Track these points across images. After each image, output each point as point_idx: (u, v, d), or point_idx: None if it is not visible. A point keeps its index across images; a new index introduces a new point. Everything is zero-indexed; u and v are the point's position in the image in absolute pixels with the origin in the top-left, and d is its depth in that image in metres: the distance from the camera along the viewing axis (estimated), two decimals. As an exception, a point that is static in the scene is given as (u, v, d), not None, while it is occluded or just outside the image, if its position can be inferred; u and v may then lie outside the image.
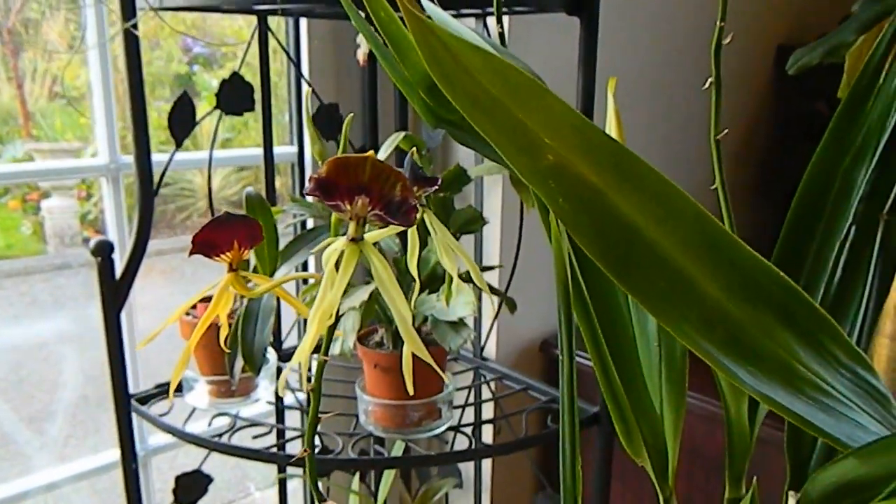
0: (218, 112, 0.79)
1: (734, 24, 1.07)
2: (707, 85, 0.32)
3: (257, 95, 0.80)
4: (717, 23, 0.31)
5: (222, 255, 0.23)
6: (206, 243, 0.22)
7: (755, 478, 0.35)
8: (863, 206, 0.33)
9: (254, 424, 0.73)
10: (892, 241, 0.32)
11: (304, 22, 0.90)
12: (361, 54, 0.82)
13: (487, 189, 0.92)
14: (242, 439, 0.73)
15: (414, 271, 0.36)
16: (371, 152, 0.21)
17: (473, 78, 0.22)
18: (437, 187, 0.28)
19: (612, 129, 0.42)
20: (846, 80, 0.69)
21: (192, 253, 0.23)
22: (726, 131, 0.34)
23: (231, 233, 0.23)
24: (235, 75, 0.79)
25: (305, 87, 0.90)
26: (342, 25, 0.92)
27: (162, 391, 0.79)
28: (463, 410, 0.92)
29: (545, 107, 0.22)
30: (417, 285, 0.40)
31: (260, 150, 0.84)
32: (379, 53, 0.31)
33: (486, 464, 1.03)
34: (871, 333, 0.32)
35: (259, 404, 0.78)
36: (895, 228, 0.32)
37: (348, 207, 0.21)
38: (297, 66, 0.88)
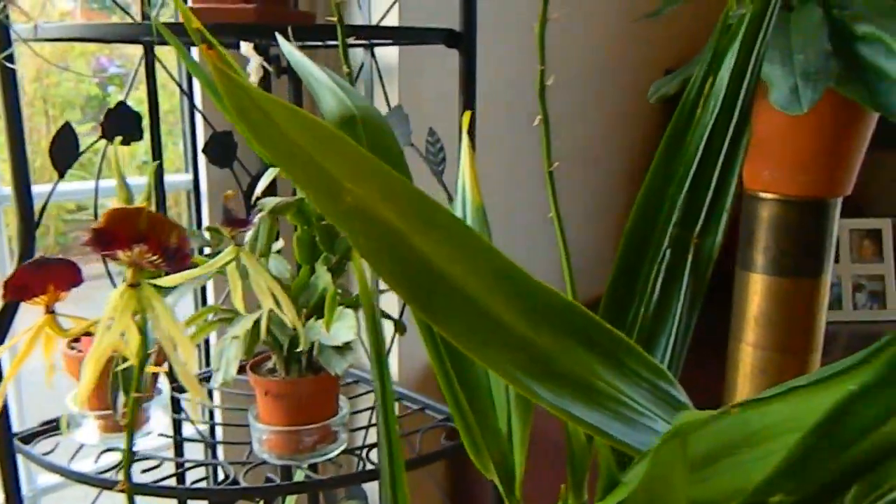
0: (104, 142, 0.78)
1: (628, 46, 1.12)
2: (536, 122, 0.35)
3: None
4: (540, 66, 0.34)
5: (36, 299, 0.24)
6: (20, 288, 0.23)
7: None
8: (677, 230, 0.36)
9: (144, 458, 0.72)
10: (701, 263, 0.36)
11: (196, 49, 0.90)
12: (252, 82, 0.82)
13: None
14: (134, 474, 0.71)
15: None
16: (146, 203, 0.22)
17: (279, 129, 0.24)
18: (248, 228, 0.30)
19: (465, 164, 0.44)
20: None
21: (5, 299, 0.23)
22: (557, 164, 0.37)
23: (46, 276, 0.24)
24: (122, 104, 0.78)
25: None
26: (235, 53, 0.93)
27: (48, 429, 0.77)
28: (367, 431, 0.93)
29: (346, 154, 0.24)
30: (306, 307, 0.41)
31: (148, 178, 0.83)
32: (211, 93, 0.33)
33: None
34: (684, 346, 0.35)
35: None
36: (705, 250, 0.36)
37: (127, 255, 0.22)
38: (188, 95, 0.88)
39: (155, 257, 0.22)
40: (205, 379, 0.89)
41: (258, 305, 0.71)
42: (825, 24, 0.56)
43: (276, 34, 0.42)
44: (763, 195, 0.70)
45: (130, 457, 0.29)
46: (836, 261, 1.23)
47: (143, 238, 0.21)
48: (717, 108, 0.36)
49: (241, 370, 0.75)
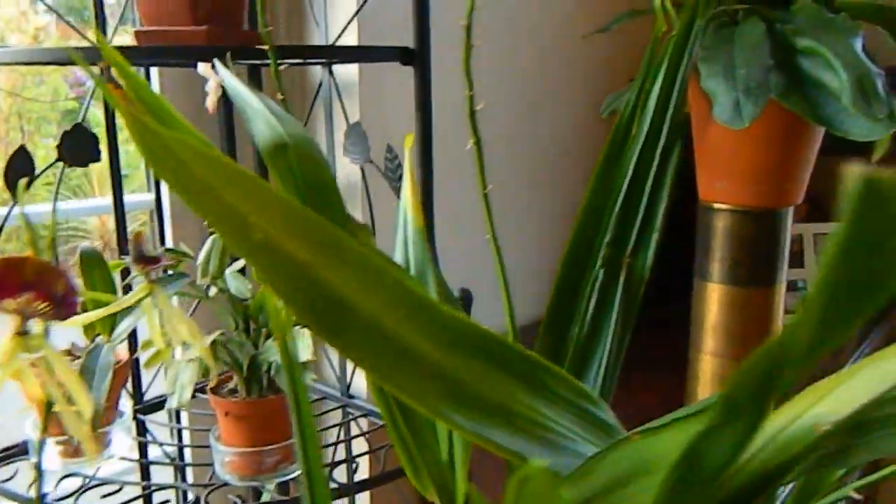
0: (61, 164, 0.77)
1: (583, 62, 1.12)
2: (469, 146, 0.36)
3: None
4: (467, 91, 0.34)
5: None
6: None
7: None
8: (609, 249, 0.37)
9: (103, 483, 0.72)
10: (633, 282, 0.36)
11: (157, 69, 0.90)
12: (210, 102, 0.82)
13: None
14: (91, 500, 0.71)
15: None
16: (30, 253, 0.22)
17: (186, 167, 0.24)
18: (160, 264, 0.30)
19: (407, 185, 0.44)
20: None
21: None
22: (491, 187, 0.37)
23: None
24: (78, 126, 0.78)
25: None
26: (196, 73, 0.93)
27: (8, 455, 0.76)
28: (335, 448, 0.93)
29: (253, 190, 0.24)
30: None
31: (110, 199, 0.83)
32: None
33: (364, 501, 1.04)
34: (617, 365, 0.36)
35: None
36: (637, 270, 0.36)
37: (13, 303, 0.22)
38: (147, 114, 0.87)
39: (43, 305, 0.22)
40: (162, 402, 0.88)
41: (217, 326, 0.71)
42: (768, 38, 0.57)
43: (215, 60, 0.42)
44: (717, 206, 0.70)
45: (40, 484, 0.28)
46: (802, 265, 1.25)
47: (30, 286, 0.21)
48: (647, 127, 0.37)
49: (204, 391, 0.74)
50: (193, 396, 0.92)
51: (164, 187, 0.94)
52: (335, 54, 0.73)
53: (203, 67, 0.82)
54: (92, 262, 0.61)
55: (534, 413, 0.29)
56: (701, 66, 0.57)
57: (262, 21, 0.44)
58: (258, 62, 0.87)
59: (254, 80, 0.91)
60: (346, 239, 0.24)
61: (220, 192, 0.24)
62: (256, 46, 0.69)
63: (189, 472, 0.99)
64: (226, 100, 0.93)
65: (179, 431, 0.96)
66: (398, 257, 0.43)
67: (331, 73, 0.81)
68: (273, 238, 0.24)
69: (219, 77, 0.81)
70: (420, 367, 0.26)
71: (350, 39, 0.86)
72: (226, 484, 0.71)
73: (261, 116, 0.37)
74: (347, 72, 0.88)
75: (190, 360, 0.59)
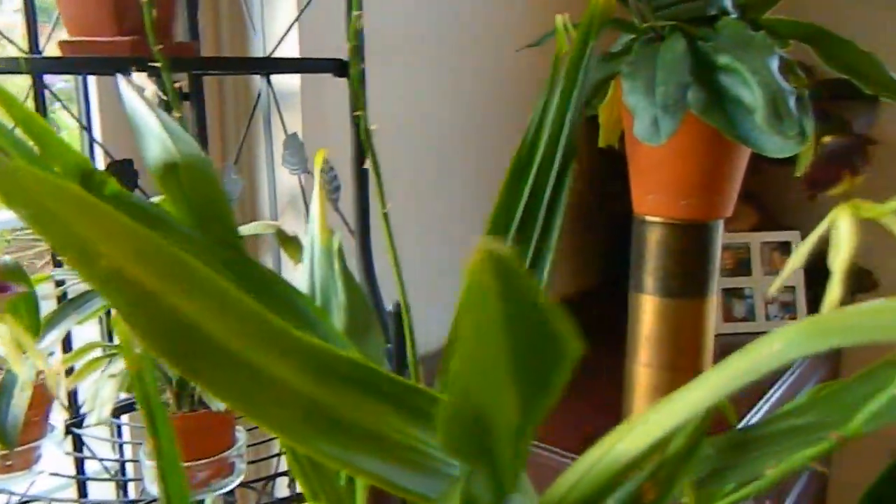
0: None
1: (521, 73, 1.11)
2: (366, 164, 0.35)
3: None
4: (361, 111, 0.34)
5: None
6: None
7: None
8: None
9: (31, 500, 0.70)
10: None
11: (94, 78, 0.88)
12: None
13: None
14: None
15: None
16: None
17: (29, 194, 0.23)
18: (8, 292, 0.29)
19: (315, 203, 0.44)
20: (602, 132, 0.76)
21: None
22: (390, 206, 0.37)
23: None
24: (9, 135, 0.76)
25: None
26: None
27: (-67, 472, 0.74)
28: (278, 460, 0.92)
29: (98, 217, 0.24)
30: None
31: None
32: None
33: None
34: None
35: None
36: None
37: None
38: (83, 124, 0.86)
39: None
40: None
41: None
42: (689, 55, 0.58)
43: (118, 75, 0.41)
44: (649, 218, 0.71)
45: None
46: (749, 273, 1.27)
47: None
48: (542, 148, 0.37)
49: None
50: (131, 410, 0.91)
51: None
52: (266, 66, 0.72)
53: (138, 76, 0.81)
54: (12, 273, 0.60)
55: (407, 438, 0.28)
56: (624, 83, 0.58)
57: (149, 30, 0.44)
58: (201, 72, 0.87)
59: (197, 91, 0.90)
60: (198, 267, 0.24)
61: (66, 218, 0.23)
62: (187, 57, 0.69)
63: (130, 487, 0.98)
64: (167, 109, 0.92)
65: (121, 446, 0.94)
66: (305, 275, 0.43)
67: (269, 83, 0.81)
68: (120, 265, 0.23)
69: (154, 87, 0.80)
70: (278, 395, 0.25)
71: (291, 50, 0.86)
72: (154, 500, 0.69)
73: (154, 135, 0.36)
74: (290, 82, 0.88)
75: (111, 376, 0.58)
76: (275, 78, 0.89)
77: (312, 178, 0.81)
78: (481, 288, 0.15)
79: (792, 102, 0.52)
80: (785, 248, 1.29)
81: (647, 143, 0.54)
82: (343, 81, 0.76)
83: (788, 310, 1.29)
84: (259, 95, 0.83)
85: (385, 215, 0.38)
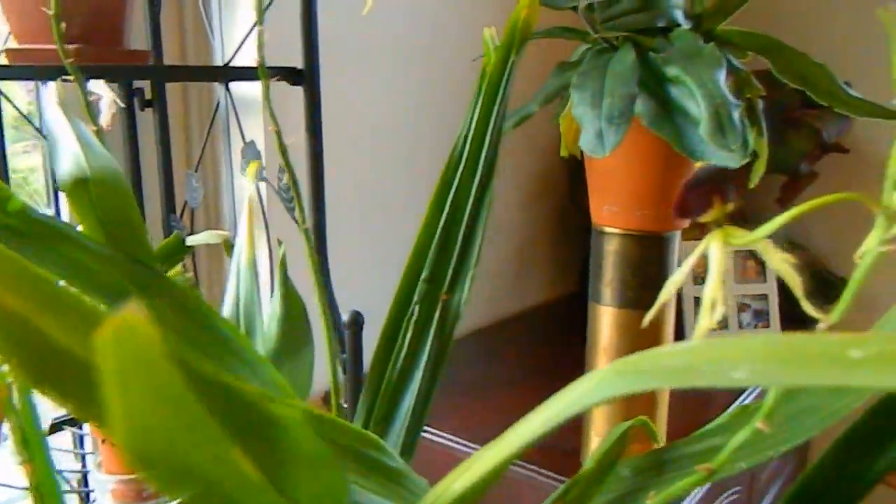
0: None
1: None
2: (284, 181, 0.35)
3: None
4: (273, 127, 0.34)
5: None
6: None
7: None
8: (426, 286, 0.36)
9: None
10: (448, 319, 0.36)
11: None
12: (104, 118, 0.80)
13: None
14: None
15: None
16: None
17: None
18: None
19: (244, 218, 0.43)
20: (563, 141, 0.76)
21: None
22: (307, 225, 0.36)
23: None
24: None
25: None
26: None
27: None
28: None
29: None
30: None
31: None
32: None
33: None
34: (427, 404, 0.35)
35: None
36: (452, 306, 0.36)
37: None
38: (39, 130, 0.85)
39: None
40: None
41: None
42: (637, 67, 0.57)
43: (50, 82, 0.41)
44: (606, 229, 0.71)
45: None
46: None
47: None
48: (463, 163, 0.37)
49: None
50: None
51: (64, 201, 0.91)
52: (219, 74, 0.71)
53: (94, 84, 0.80)
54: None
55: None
56: (573, 94, 0.58)
57: (58, 40, 0.43)
58: (154, 80, 0.86)
59: (159, 97, 0.89)
60: (63, 289, 0.23)
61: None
62: (137, 65, 0.68)
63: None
64: (132, 116, 0.91)
65: (83, 457, 0.93)
66: (231, 288, 0.42)
67: (228, 90, 0.80)
68: (-13, 289, 0.23)
69: (112, 94, 0.79)
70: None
71: (251, 59, 0.85)
72: (106, 513, 0.69)
73: (68, 148, 0.36)
74: (253, 90, 0.87)
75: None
76: (238, 85, 0.88)
77: (270, 187, 0.80)
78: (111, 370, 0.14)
79: (736, 115, 0.52)
80: (758, 256, 1.29)
81: (592, 156, 0.53)
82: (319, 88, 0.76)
83: (761, 318, 1.28)
84: (218, 103, 0.82)
85: (306, 231, 0.37)
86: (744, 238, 0.23)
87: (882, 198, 0.23)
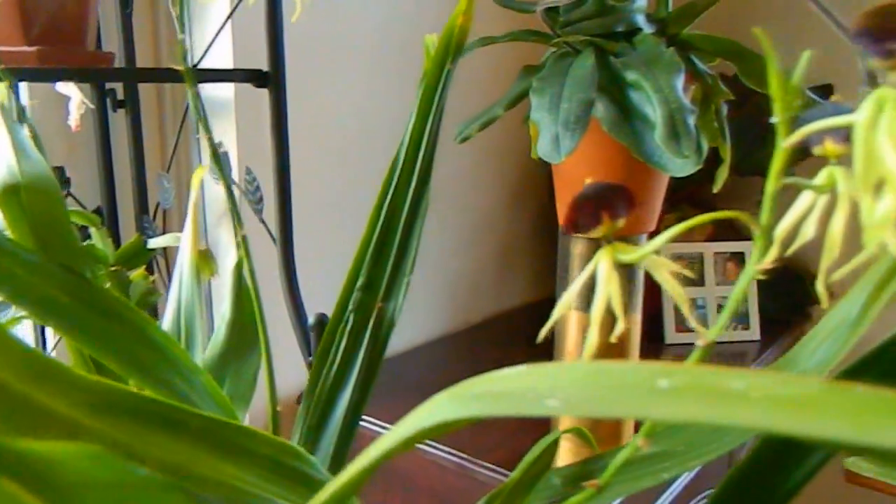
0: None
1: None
2: (238, 192, 0.35)
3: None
4: (204, 135, 0.33)
5: None
6: None
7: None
8: (360, 294, 0.36)
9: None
10: (383, 327, 0.36)
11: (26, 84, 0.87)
12: (73, 120, 0.80)
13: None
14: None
15: None
16: None
17: None
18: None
19: (189, 222, 0.43)
20: (532, 144, 0.76)
21: None
22: (244, 233, 0.36)
23: None
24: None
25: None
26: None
27: None
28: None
29: None
30: None
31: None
32: None
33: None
34: (358, 412, 0.35)
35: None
36: (387, 315, 0.36)
37: None
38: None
39: None
40: None
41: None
42: (596, 72, 0.57)
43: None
44: (574, 233, 0.71)
45: None
46: (702, 283, 1.27)
47: None
48: (399, 170, 0.36)
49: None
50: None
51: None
52: (180, 76, 0.71)
53: (62, 85, 0.80)
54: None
55: (222, 475, 0.28)
56: (532, 98, 0.57)
57: None
58: (137, 82, 0.86)
59: (132, 99, 0.89)
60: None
61: None
62: (100, 67, 0.68)
63: None
64: (104, 117, 0.91)
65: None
66: (173, 292, 0.42)
67: (196, 93, 0.80)
68: None
69: (80, 95, 0.79)
70: (65, 430, 0.25)
71: (224, 60, 0.85)
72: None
73: (1, 156, 0.35)
74: (224, 92, 0.87)
75: None
76: (210, 87, 0.88)
77: (240, 189, 0.80)
78: None
79: (691, 121, 0.52)
80: (739, 258, 1.29)
81: (548, 161, 0.53)
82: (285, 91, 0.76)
83: (741, 320, 1.29)
84: (188, 106, 0.82)
85: (244, 238, 0.37)
86: (633, 254, 0.23)
87: (762, 217, 0.23)
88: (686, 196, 1.43)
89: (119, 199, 0.92)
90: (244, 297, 0.49)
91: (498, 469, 0.79)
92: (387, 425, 0.88)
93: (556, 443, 0.33)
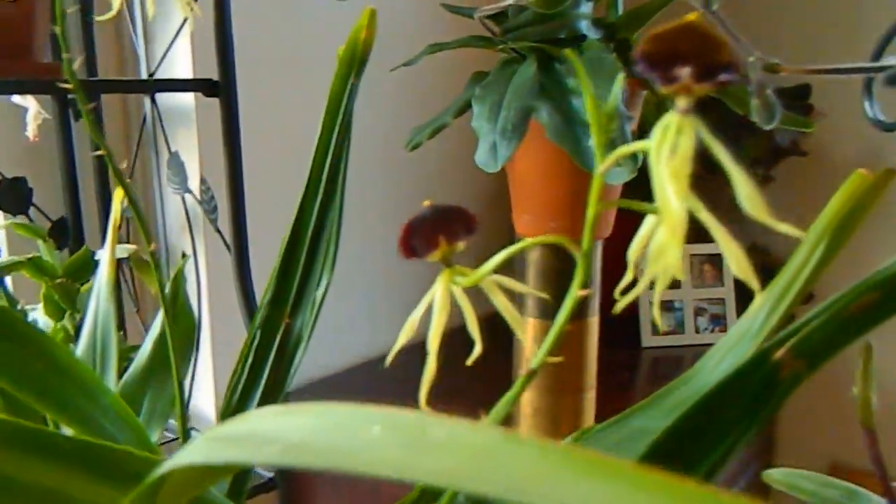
0: None
1: (392, 95, 1.08)
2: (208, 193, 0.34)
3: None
4: (101, 144, 0.33)
5: None
6: None
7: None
8: (268, 309, 0.36)
9: None
10: (290, 343, 0.35)
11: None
12: (31, 131, 0.80)
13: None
14: None
15: None
16: None
17: None
18: None
19: (110, 234, 0.43)
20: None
21: None
22: (154, 245, 0.36)
23: None
24: None
25: None
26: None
27: None
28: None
29: None
30: None
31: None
32: None
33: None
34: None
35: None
36: (295, 331, 0.36)
37: None
38: (-29, 142, 0.85)
39: None
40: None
41: None
42: (538, 78, 0.57)
43: None
44: (411, 257, 0.70)
45: None
46: (678, 286, 1.26)
47: None
48: (306, 184, 0.36)
49: None
50: None
51: None
52: (137, 88, 0.71)
53: (21, 98, 0.80)
54: None
55: (99, 497, 0.27)
56: (473, 106, 0.57)
57: None
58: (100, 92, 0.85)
59: (94, 110, 0.89)
60: None
61: None
62: (48, 79, 0.68)
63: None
64: (66, 126, 0.90)
65: None
66: (91, 309, 0.42)
67: (153, 102, 0.80)
68: None
69: (37, 105, 0.79)
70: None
71: (184, 69, 0.85)
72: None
73: None
74: (187, 100, 0.87)
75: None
76: (172, 97, 0.88)
77: (195, 198, 0.80)
78: None
79: (628, 128, 0.52)
80: (715, 261, 1.29)
81: (485, 170, 0.53)
82: (243, 97, 0.75)
83: (718, 322, 1.28)
84: (145, 116, 0.82)
85: (152, 254, 0.37)
86: (471, 278, 0.23)
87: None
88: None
89: (84, 208, 0.92)
90: (179, 312, 0.49)
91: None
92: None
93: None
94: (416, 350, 1.11)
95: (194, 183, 0.78)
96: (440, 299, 0.23)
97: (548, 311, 0.71)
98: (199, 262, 0.80)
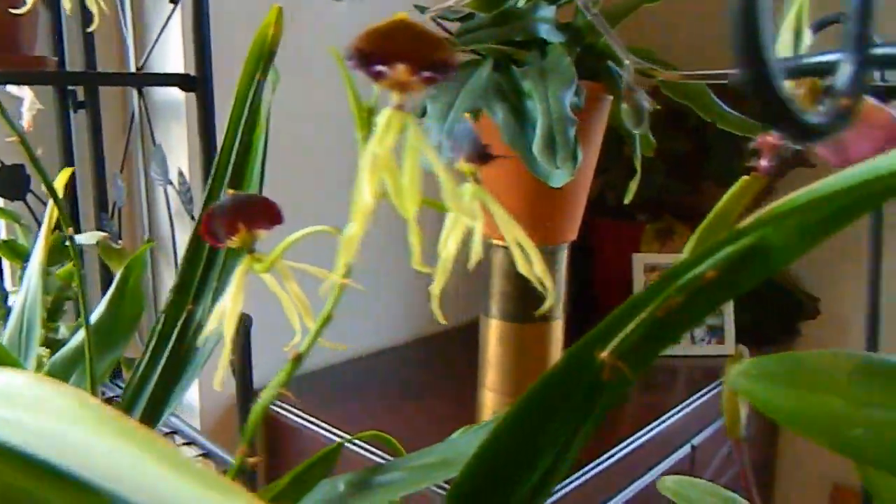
0: None
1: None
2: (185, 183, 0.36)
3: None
4: (14, 138, 0.35)
5: None
6: None
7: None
8: (173, 295, 0.37)
9: None
10: (189, 330, 0.36)
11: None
12: (26, 121, 0.83)
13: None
14: None
15: None
16: None
17: None
18: None
19: (46, 222, 0.45)
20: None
21: None
22: (115, 242, 0.37)
23: None
24: None
25: None
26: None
27: None
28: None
29: None
30: None
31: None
32: None
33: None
34: (160, 411, 0.36)
35: None
36: (195, 318, 0.37)
37: None
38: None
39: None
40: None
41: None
42: (491, 81, 0.57)
43: None
44: (493, 241, 0.71)
45: None
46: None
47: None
48: (211, 179, 0.37)
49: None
50: None
51: None
52: (114, 81, 0.73)
53: (15, 87, 0.83)
54: None
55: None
56: (427, 106, 0.58)
57: None
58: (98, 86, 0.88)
59: (92, 99, 0.92)
60: None
61: None
62: (33, 71, 0.70)
63: None
64: (66, 116, 0.93)
65: None
66: (21, 292, 0.43)
67: (141, 95, 0.82)
68: None
69: (32, 95, 0.82)
70: None
71: (176, 63, 0.87)
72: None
73: None
74: (178, 94, 0.89)
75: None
76: (164, 92, 0.90)
77: (172, 188, 0.82)
78: None
79: (571, 132, 0.52)
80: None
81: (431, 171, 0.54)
82: (228, 92, 0.77)
83: (716, 333, 1.26)
84: (134, 111, 0.84)
85: (148, 239, 0.38)
86: (265, 263, 0.24)
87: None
88: (670, 206, 1.40)
89: (81, 197, 0.95)
90: (127, 299, 0.50)
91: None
92: (334, 430, 0.89)
93: (336, 450, 0.34)
94: (399, 351, 1.10)
95: (175, 175, 0.80)
96: (235, 285, 0.24)
97: (509, 313, 0.71)
98: (179, 252, 0.82)
